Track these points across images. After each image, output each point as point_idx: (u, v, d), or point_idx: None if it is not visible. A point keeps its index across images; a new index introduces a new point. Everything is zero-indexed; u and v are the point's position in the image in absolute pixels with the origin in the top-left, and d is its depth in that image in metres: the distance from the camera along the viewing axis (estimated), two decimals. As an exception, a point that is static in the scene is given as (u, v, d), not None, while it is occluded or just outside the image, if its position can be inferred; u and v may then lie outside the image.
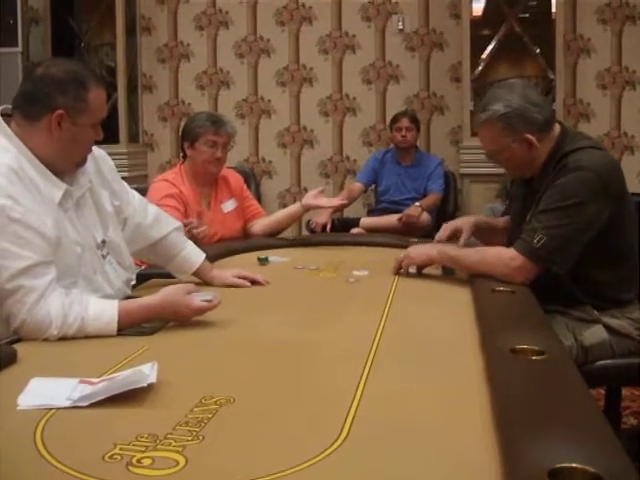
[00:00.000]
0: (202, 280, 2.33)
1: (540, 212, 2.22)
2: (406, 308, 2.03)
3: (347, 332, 1.81)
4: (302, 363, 1.57)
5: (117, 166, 5.45)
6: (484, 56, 5.24)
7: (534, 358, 1.44)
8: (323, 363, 1.58)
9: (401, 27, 5.66)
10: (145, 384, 1.29)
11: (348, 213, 5.44)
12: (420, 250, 2.42)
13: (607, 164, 2.25)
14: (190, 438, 1.13)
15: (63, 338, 1.70)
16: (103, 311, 1.74)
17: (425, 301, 2.15)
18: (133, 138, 5.85)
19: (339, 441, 1.12)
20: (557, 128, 2.36)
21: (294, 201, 5.95)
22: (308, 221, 5.17)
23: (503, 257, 2.21)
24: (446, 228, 2.65)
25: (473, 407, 1.27)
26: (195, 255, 2.33)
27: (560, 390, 1.30)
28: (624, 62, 5.33)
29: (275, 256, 2.84)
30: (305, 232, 5.63)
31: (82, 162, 1.95)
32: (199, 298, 1.82)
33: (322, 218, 5.00)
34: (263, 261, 2.75)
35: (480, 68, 5.25)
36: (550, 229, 2.16)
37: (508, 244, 2.51)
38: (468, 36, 5.21)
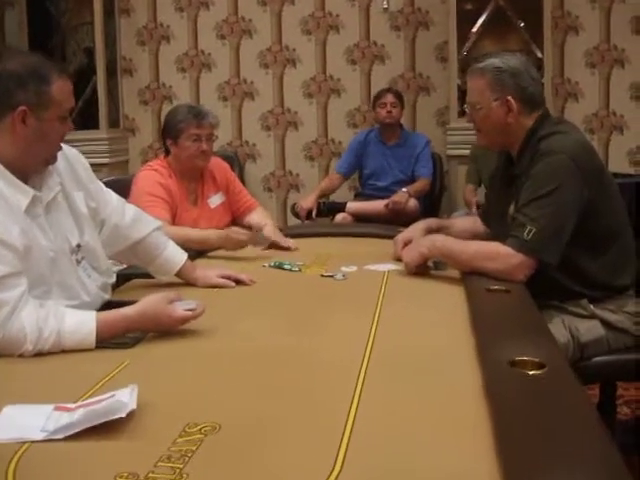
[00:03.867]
0: (185, 281, 2.26)
1: (522, 206, 2.19)
2: (397, 312, 1.95)
3: (336, 341, 1.73)
4: (290, 379, 1.49)
5: (97, 152, 5.30)
6: (470, 35, 5.13)
7: (534, 373, 1.37)
8: (313, 379, 1.49)
9: (386, 6, 5.53)
10: (124, 415, 1.21)
11: (334, 197, 5.36)
12: (411, 252, 2.34)
13: (575, 144, 2.23)
14: (173, 476, 1.06)
15: (39, 353, 1.62)
16: (80, 324, 1.66)
17: (416, 303, 2.07)
18: (113, 123, 5.72)
19: (334, 474, 1.05)
20: (539, 112, 2.33)
21: (278, 185, 5.88)
22: (293, 205, 5.09)
23: (500, 254, 2.14)
24: (397, 242, 2.55)
25: (471, 431, 1.20)
26: (177, 255, 2.25)
27: (563, 411, 1.23)
28: (613, 40, 5.23)
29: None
30: (290, 221, 5.56)
31: (52, 159, 1.86)
32: (181, 307, 1.74)
33: (307, 203, 4.92)
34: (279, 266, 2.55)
35: (467, 47, 5.14)
36: (537, 220, 2.13)
37: (492, 236, 2.46)
38: (454, 15, 5.10)
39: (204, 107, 3.21)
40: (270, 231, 3.00)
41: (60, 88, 1.78)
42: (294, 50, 5.70)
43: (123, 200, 2.21)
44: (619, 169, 4.79)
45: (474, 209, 4.59)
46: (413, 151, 4.99)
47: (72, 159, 2.01)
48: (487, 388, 1.34)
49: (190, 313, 1.73)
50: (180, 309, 1.73)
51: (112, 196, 2.16)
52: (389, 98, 4.96)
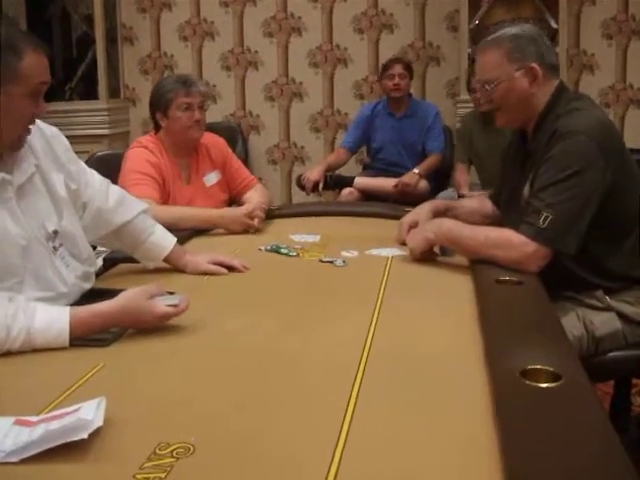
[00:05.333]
0: (174, 267, 2.12)
1: (538, 190, 2.02)
2: (399, 306, 1.80)
3: (332, 341, 1.58)
4: (279, 385, 1.35)
5: (97, 123, 5.16)
6: (482, 3, 4.91)
7: (549, 386, 1.23)
8: (304, 386, 1.35)
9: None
10: (85, 436, 1.07)
11: (342, 170, 5.20)
12: (417, 237, 2.20)
13: (595, 123, 2.05)
14: (136, 513, 0.93)
15: (6, 353, 1.48)
16: (52, 321, 1.52)
17: (420, 295, 1.92)
18: (113, 93, 5.57)
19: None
20: (557, 82, 2.17)
21: (283, 157, 5.72)
22: (299, 177, 4.93)
23: (513, 242, 1.99)
24: (402, 225, 2.41)
25: (476, 447, 1.08)
26: (165, 240, 2.11)
27: (583, 435, 1.09)
28: (631, 10, 5.02)
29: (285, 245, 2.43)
30: (295, 194, 5.41)
31: (17, 144, 1.69)
32: (163, 302, 1.60)
33: (314, 175, 4.75)
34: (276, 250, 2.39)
35: (479, 15, 4.93)
36: (553, 206, 1.96)
37: (502, 219, 2.34)
38: (466, -19, 4.91)
39: (192, 75, 3.04)
40: (252, 205, 2.83)
41: (32, 63, 1.61)
42: (299, 18, 5.52)
43: (108, 182, 2.06)
44: (635, 144, 4.59)
45: (465, 190, 4.30)
46: (424, 122, 4.80)
47: (51, 139, 1.86)
48: (495, 402, 1.20)
49: (172, 309, 1.59)
50: (162, 304, 1.59)
51: (95, 178, 2.01)
52: (397, 69, 4.75)
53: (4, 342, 1.47)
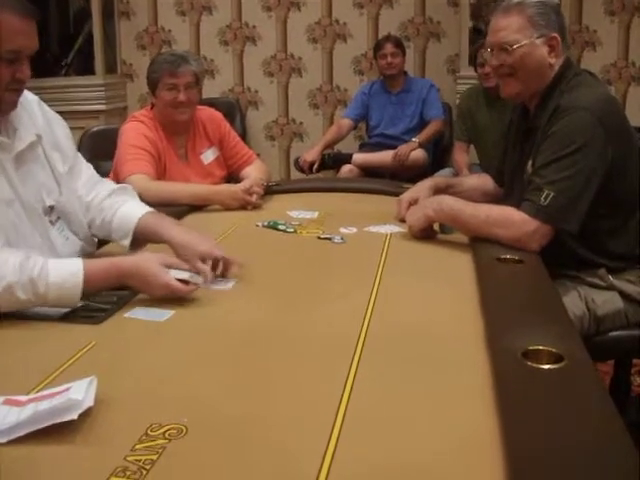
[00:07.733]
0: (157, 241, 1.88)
1: (539, 167, 1.98)
2: (398, 284, 1.76)
3: (329, 321, 1.54)
4: (274, 365, 1.32)
5: (94, 99, 5.10)
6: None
7: (551, 367, 1.20)
8: (300, 366, 1.32)
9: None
10: (75, 417, 1.04)
11: (340, 147, 5.16)
12: (416, 214, 2.16)
13: (598, 99, 2.02)
14: (126, 496, 0.90)
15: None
16: (67, 263, 1.54)
17: (420, 273, 1.88)
18: (110, 68, 5.50)
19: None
20: (564, 57, 2.13)
21: (281, 133, 5.68)
22: (296, 159, 4.90)
23: (514, 220, 1.96)
24: (402, 201, 2.37)
25: (475, 430, 1.05)
26: (137, 209, 1.91)
27: (585, 416, 1.07)
28: (634, -15, 4.95)
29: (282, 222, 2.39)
30: (293, 171, 5.36)
31: (2, 105, 1.63)
32: (174, 275, 1.58)
33: (311, 155, 4.72)
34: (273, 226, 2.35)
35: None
36: (555, 183, 1.93)
37: (504, 196, 2.31)
38: (467, -46, 4.85)
39: (187, 53, 2.95)
40: (250, 181, 2.77)
41: (5, 24, 1.53)
42: (298, -7, 5.45)
43: (100, 179, 2.00)
44: (637, 122, 4.55)
45: (465, 171, 4.14)
46: (419, 95, 4.78)
47: (53, 121, 1.86)
48: (496, 384, 1.17)
49: (179, 285, 1.58)
50: (171, 277, 1.58)
51: (89, 171, 1.96)
52: (388, 48, 4.73)
53: (21, 265, 1.47)
